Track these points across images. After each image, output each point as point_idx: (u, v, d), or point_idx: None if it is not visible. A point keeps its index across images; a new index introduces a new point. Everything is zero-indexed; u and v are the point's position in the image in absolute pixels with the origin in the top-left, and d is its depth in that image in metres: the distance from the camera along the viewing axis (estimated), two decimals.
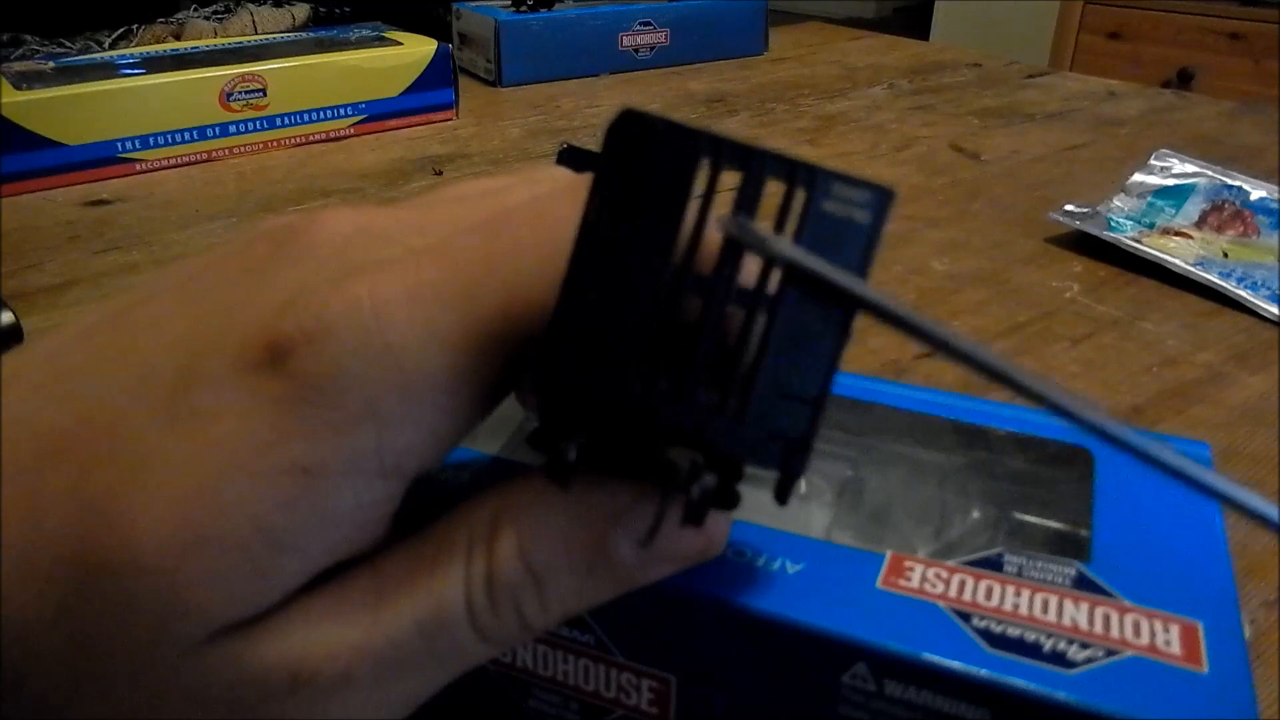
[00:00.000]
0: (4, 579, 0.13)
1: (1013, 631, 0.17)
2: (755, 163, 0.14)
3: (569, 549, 0.16)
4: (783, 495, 0.15)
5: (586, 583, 0.16)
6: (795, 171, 0.14)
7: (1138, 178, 0.53)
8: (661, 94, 0.79)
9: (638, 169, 0.14)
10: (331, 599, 0.15)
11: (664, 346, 0.14)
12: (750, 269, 0.14)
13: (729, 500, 0.16)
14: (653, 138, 0.14)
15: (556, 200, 0.16)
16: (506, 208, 0.16)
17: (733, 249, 0.14)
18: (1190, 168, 0.53)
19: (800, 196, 0.14)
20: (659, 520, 0.16)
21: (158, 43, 0.74)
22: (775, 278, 0.14)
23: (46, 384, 0.15)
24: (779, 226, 0.14)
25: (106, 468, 0.14)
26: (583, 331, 0.14)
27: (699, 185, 0.14)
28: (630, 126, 0.14)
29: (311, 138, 0.66)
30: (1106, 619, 0.17)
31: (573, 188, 0.16)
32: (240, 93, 0.62)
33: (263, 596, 0.14)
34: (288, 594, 0.14)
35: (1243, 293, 0.43)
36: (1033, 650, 0.16)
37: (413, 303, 0.14)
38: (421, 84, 0.69)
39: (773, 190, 0.14)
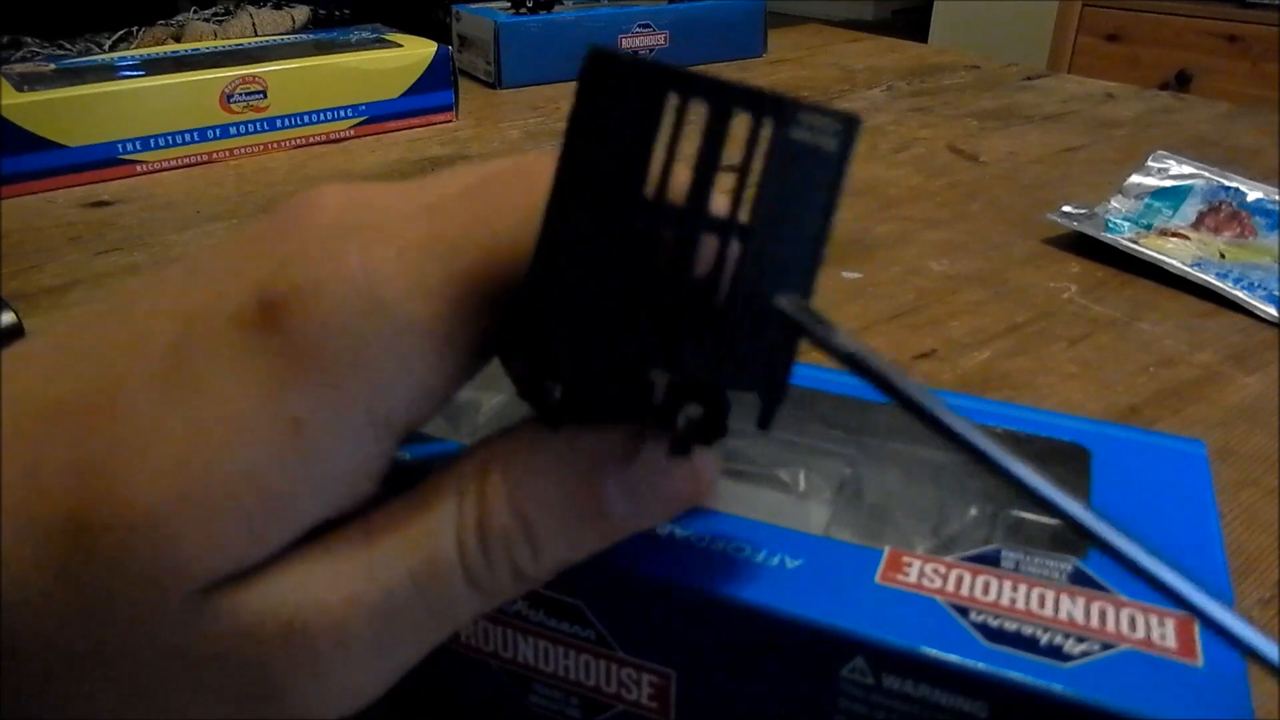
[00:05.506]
0: (5, 547, 0.14)
1: (1010, 626, 0.17)
2: (722, 95, 0.14)
3: (559, 495, 0.16)
4: (765, 421, 0.15)
5: (577, 530, 0.16)
6: (762, 102, 0.14)
7: (1135, 179, 0.53)
8: None
9: (607, 108, 0.14)
10: (323, 551, 0.15)
11: (641, 281, 0.14)
12: (720, 200, 0.14)
13: (715, 431, 0.16)
14: (620, 76, 0.14)
15: (538, 160, 0.16)
16: (491, 172, 0.16)
17: (702, 181, 0.14)
18: (1187, 169, 0.53)
19: (768, 126, 0.14)
20: (643, 451, 0.16)
21: (158, 45, 0.74)
22: (746, 207, 0.14)
23: (51, 363, 0.15)
24: (747, 156, 0.14)
25: (104, 432, 0.14)
26: (562, 270, 0.14)
27: (667, 120, 0.14)
28: (599, 67, 0.14)
29: (311, 139, 0.66)
30: (1103, 613, 0.17)
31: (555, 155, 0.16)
32: (240, 94, 0.62)
33: (255, 549, 0.14)
34: (281, 547, 0.14)
35: (1239, 293, 0.43)
36: (1029, 644, 0.17)
37: (401, 258, 0.14)
38: (421, 86, 0.69)
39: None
